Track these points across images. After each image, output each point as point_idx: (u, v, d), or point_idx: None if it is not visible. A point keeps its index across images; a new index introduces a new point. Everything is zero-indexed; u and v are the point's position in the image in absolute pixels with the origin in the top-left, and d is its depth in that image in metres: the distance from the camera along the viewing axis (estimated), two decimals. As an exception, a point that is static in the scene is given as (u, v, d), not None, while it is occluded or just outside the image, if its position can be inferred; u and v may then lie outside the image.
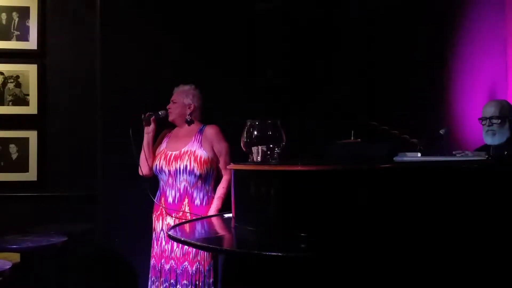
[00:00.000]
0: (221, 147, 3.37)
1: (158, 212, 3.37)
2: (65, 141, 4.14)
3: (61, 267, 3.69)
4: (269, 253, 1.98)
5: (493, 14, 3.84)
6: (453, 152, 2.49)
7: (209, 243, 2.34)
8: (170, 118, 3.46)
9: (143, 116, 3.39)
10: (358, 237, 2.06)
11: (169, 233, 2.43)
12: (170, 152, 3.36)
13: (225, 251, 2.15)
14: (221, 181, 3.39)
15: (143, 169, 3.41)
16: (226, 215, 2.86)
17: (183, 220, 3.23)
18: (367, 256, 1.98)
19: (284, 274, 2.14)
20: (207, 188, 3.35)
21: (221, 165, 3.38)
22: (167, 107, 3.45)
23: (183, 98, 3.44)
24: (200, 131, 3.40)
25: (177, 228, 2.66)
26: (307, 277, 2.10)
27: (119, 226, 3.66)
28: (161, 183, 3.39)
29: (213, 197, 3.36)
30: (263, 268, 2.20)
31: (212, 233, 2.73)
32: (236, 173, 2.47)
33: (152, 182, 3.44)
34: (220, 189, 3.35)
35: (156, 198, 3.39)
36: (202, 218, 3.30)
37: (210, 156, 3.34)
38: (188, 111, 3.44)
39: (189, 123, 3.45)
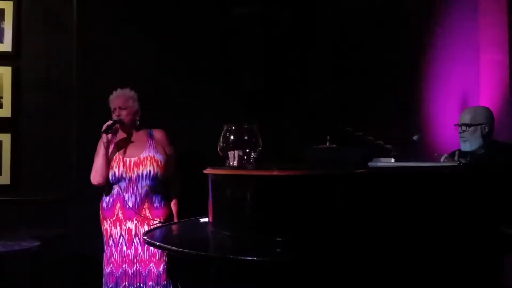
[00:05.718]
0: (170, 150, 3.47)
1: (114, 218, 3.35)
2: (40, 144, 4.07)
3: (34, 272, 3.64)
4: (245, 258, 2.00)
5: (466, 21, 3.92)
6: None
7: (186, 248, 2.34)
8: (128, 124, 3.43)
9: (106, 127, 3.31)
10: (333, 241, 2.08)
11: (145, 237, 2.44)
12: (129, 159, 3.35)
13: (201, 256, 2.16)
14: (172, 189, 3.48)
15: (101, 178, 3.35)
16: (202, 220, 2.86)
17: (159, 225, 3.23)
18: (342, 260, 2.01)
19: (260, 274, 2.15)
20: (163, 190, 3.42)
21: (171, 168, 3.44)
22: (116, 114, 3.40)
23: (130, 103, 3.44)
24: (150, 136, 3.45)
25: (149, 233, 2.66)
26: (283, 279, 2.11)
27: (92, 230, 3.62)
28: (116, 189, 3.35)
29: (167, 200, 3.43)
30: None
31: (188, 237, 2.72)
32: (213, 178, 2.47)
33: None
34: (174, 202, 3.47)
35: (106, 205, 3.38)
36: (178, 222, 3.29)
37: (165, 159, 3.40)
38: (137, 116, 3.47)
39: (138, 128, 3.47)
